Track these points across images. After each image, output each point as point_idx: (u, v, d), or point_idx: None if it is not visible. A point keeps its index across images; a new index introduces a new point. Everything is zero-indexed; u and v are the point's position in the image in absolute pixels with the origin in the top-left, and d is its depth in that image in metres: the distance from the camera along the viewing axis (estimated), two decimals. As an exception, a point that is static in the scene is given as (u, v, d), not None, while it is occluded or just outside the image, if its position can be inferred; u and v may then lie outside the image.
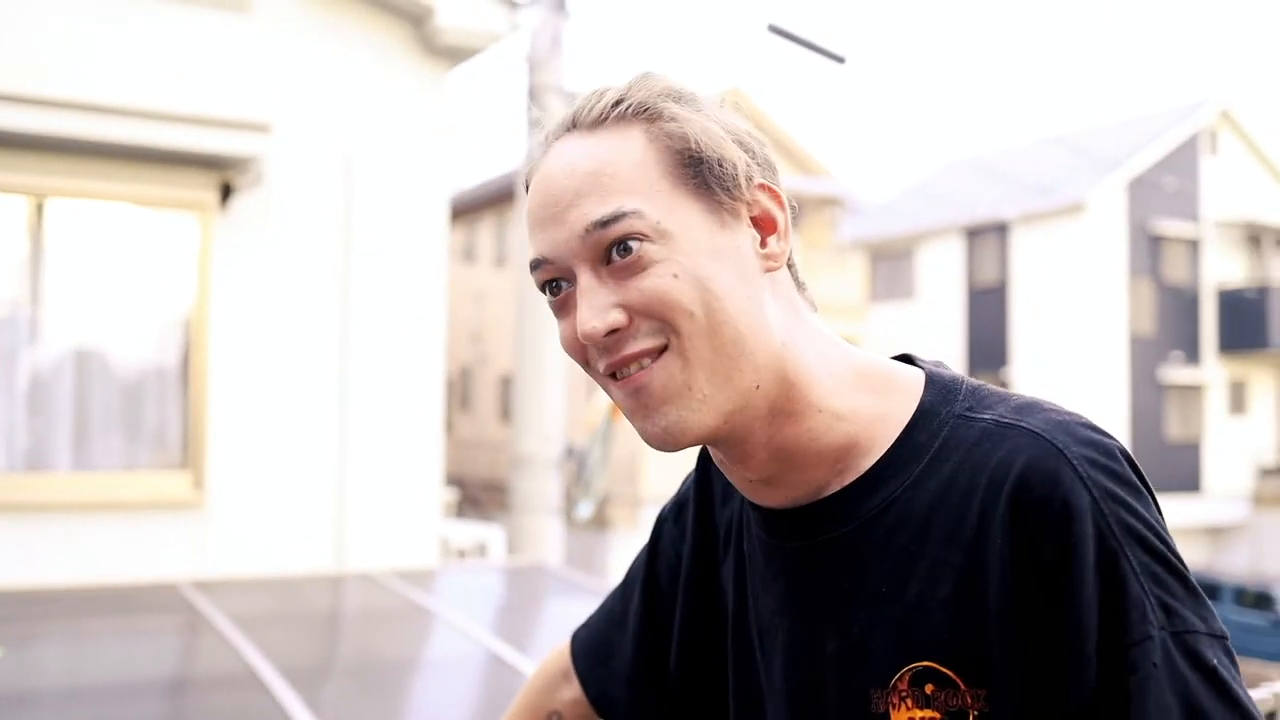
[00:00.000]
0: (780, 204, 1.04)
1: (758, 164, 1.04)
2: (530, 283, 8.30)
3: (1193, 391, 24.49)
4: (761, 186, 1.03)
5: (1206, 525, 23.94)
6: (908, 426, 1.02)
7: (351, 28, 6.60)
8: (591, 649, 1.35)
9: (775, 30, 8.63)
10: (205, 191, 6.10)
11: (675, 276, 0.96)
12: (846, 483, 1.02)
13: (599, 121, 1.01)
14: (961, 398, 1.03)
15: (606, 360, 0.98)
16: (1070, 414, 0.97)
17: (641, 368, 0.97)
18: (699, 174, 0.99)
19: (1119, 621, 0.89)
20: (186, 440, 6.13)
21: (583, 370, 1.04)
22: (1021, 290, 24.15)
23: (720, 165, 1.00)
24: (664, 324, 0.96)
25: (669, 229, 0.96)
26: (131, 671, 4.75)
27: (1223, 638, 0.92)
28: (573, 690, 1.36)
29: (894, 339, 25.58)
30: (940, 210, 26.21)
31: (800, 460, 1.03)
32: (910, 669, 0.96)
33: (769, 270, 1.02)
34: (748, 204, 1.02)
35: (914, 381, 1.06)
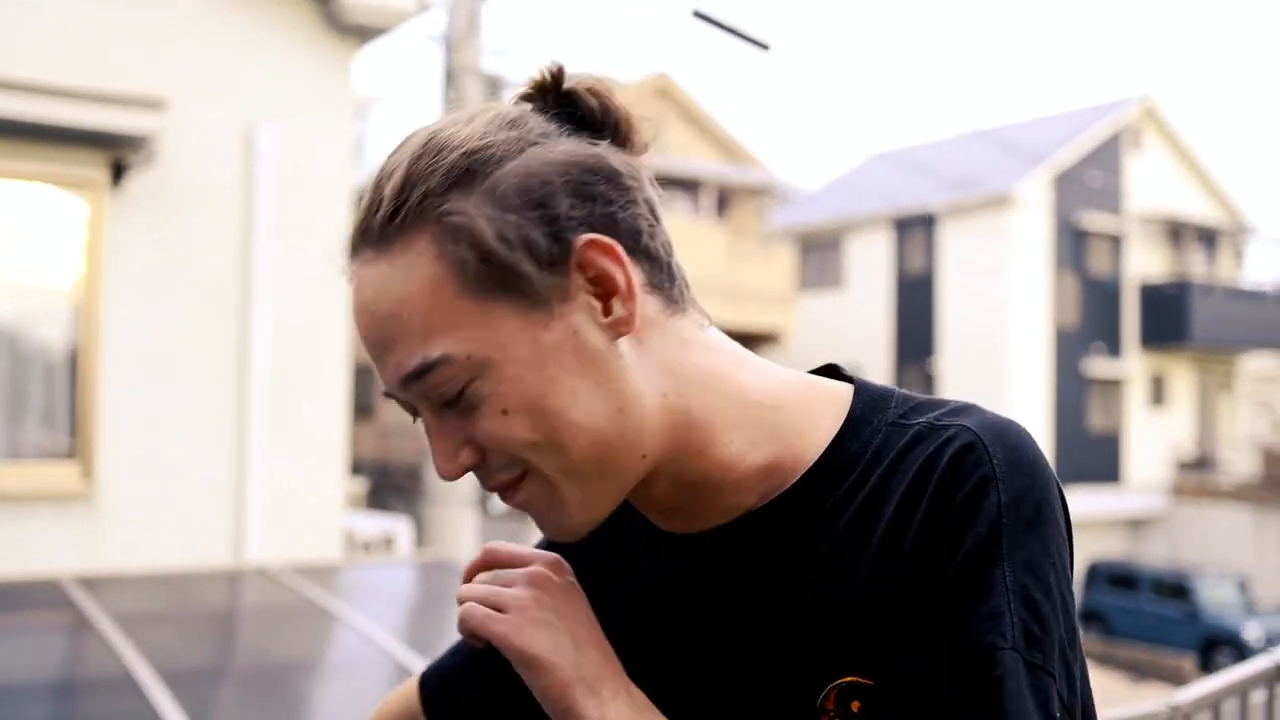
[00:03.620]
0: (615, 258, 0.88)
1: (580, 214, 0.89)
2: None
3: (1114, 384, 24.82)
4: (589, 245, 0.88)
5: (1126, 516, 24.30)
6: (836, 437, 0.95)
7: (254, 2, 6.35)
8: (446, 693, 1.22)
9: (699, 16, 8.52)
10: (95, 169, 5.84)
11: (504, 413, 0.87)
12: (769, 499, 0.95)
13: (383, 239, 0.88)
14: (894, 405, 0.96)
15: (481, 485, 0.94)
16: (1007, 420, 0.91)
17: (513, 489, 0.92)
18: (502, 275, 0.86)
19: (970, 623, 0.83)
20: (75, 428, 5.87)
21: None
22: (948, 281, 24.31)
23: (527, 253, 0.87)
24: (512, 458, 0.90)
25: (485, 357, 0.86)
26: (9, 673, 4.52)
27: (1072, 711, 0.84)
28: None
29: (822, 328, 25.66)
30: (868, 201, 26.32)
31: (713, 489, 0.95)
32: (835, 686, 0.89)
33: (619, 337, 0.89)
34: (574, 273, 0.88)
35: (842, 393, 0.98)
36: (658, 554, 1.02)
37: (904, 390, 0.98)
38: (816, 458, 0.94)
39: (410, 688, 1.27)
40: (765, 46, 8.79)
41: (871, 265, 26.08)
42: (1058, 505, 0.88)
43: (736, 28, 8.64)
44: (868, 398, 0.97)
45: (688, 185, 22.85)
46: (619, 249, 0.89)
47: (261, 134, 6.23)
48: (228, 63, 6.28)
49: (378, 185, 0.90)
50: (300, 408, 6.40)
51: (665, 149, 21.72)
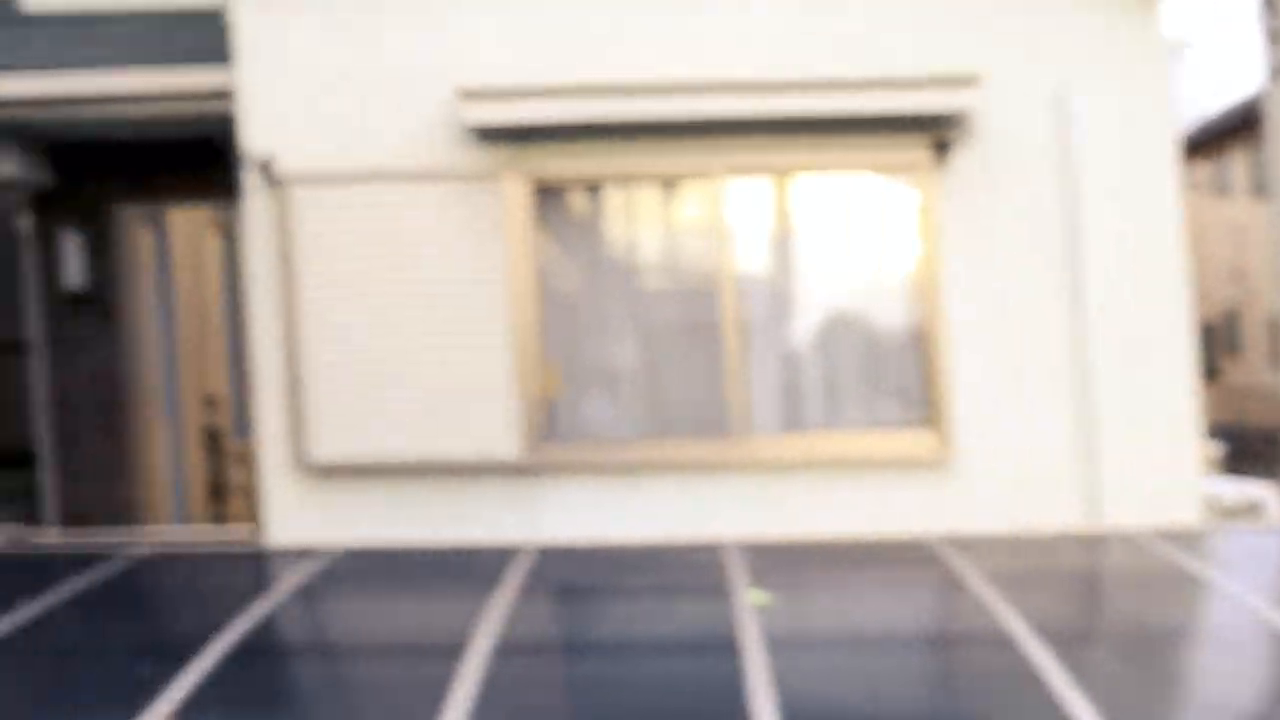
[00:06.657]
0: None
1: None
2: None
3: None
4: None
5: None
6: None
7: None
8: None
9: None
10: (919, 152, 6.11)
11: None
12: None
13: None
14: None
15: None
16: None
17: None
18: None
19: None
20: (928, 399, 6.18)
21: None
22: None
23: None
24: None
25: None
26: (891, 624, 4.86)
27: None
28: None
29: None
30: None
31: None
32: None
33: None
34: None
35: None
36: None
37: None
38: None
39: None
40: None
41: None
42: None
43: None
44: None
45: None
46: None
47: (1070, 94, 6.11)
48: (1028, 26, 6.22)
49: None
50: (1142, 370, 6.15)
51: None
